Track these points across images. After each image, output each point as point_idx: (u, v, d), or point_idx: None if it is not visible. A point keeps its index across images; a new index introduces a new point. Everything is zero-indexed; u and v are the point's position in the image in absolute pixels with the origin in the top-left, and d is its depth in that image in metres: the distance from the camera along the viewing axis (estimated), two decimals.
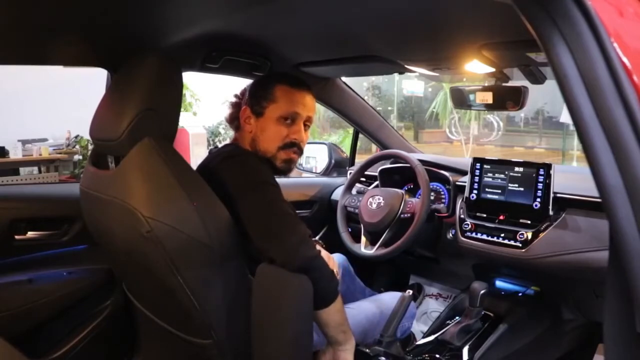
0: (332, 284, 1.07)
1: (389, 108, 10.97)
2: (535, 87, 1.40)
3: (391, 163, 2.01)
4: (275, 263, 1.01)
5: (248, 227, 1.06)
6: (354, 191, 1.95)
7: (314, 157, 2.37)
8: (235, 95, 1.39)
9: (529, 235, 1.49)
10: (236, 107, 1.36)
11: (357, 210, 1.79)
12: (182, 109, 1.35)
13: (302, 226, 1.07)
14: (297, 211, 2.06)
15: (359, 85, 9.48)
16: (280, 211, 1.07)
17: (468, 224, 1.64)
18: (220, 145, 1.39)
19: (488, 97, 1.43)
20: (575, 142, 7.80)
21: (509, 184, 1.59)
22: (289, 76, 1.30)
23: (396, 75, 2.06)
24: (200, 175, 1.06)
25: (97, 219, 1.14)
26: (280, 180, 1.22)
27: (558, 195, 1.50)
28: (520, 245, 1.50)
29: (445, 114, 8.84)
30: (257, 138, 1.27)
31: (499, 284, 1.79)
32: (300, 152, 1.30)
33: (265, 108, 1.26)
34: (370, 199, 1.74)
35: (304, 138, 1.29)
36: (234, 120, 1.35)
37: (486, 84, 1.44)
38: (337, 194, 2.12)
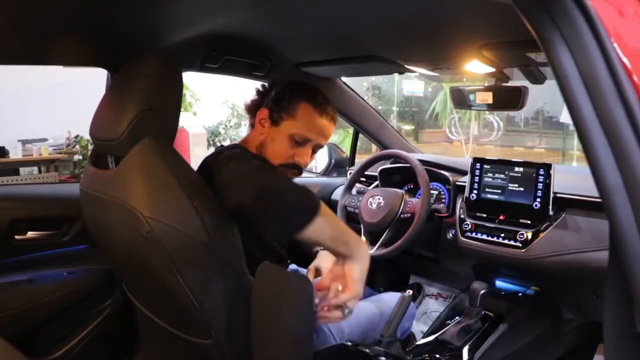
0: (301, 201, 0.95)
1: (389, 108, 10.97)
2: (535, 87, 1.40)
3: (391, 163, 2.01)
4: (241, 208, 0.95)
5: (226, 192, 1.00)
6: (354, 191, 1.95)
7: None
8: (263, 86, 1.35)
9: (529, 235, 1.49)
10: (260, 97, 1.32)
11: (357, 210, 1.79)
12: (182, 109, 1.34)
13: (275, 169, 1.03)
14: None
15: (359, 85, 9.48)
16: (254, 167, 1.02)
17: (468, 224, 1.64)
18: (224, 144, 1.37)
19: (488, 97, 1.43)
20: (575, 142, 7.80)
21: (509, 184, 1.60)
22: (318, 97, 1.26)
23: (396, 75, 2.06)
24: (200, 174, 1.06)
25: (97, 219, 1.14)
26: None
27: (558, 195, 1.50)
28: (520, 245, 1.50)
29: (445, 114, 8.85)
30: (266, 145, 1.25)
31: (499, 284, 1.79)
32: (300, 173, 1.30)
33: (283, 120, 1.24)
34: (370, 199, 1.74)
35: (308, 162, 1.28)
36: (252, 111, 1.32)
37: (486, 84, 1.44)
38: (337, 194, 2.12)
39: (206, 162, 1.19)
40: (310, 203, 0.95)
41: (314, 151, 1.30)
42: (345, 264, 1.00)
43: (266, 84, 1.36)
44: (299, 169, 1.29)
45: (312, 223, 0.93)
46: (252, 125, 1.32)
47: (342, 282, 0.99)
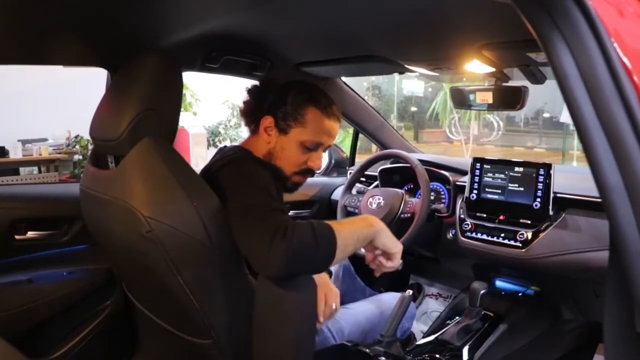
0: (318, 252, 0.97)
1: (389, 108, 10.97)
2: (535, 87, 1.40)
3: (391, 163, 2.01)
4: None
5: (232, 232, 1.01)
6: (354, 191, 1.95)
7: None
8: (254, 86, 1.29)
9: (529, 235, 1.49)
10: (255, 99, 1.27)
11: (357, 210, 1.79)
12: (182, 109, 1.33)
13: (275, 222, 0.95)
14: (297, 211, 2.10)
15: (359, 85, 9.48)
16: (254, 216, 0.98)
17: (468, 224, 1.64)
18: (229, 145, 1.35)
19: (488, 97, 1.43)
20: (575, 142, 7.80)
21: (509, 184, 1.60)
22: (322, 97, 1.23)
23: (396, 75, 2.06)
24: (202, 176, 1.06)
25: (97, 218, 1.14)
26: None
27: (558, 195, 1.50)
28: (520, 245, 1.50)
29: (445, 114, 8.84)
30: (275, 154, 1.22)
31: (499, 284, 1.80)
32: (312, 176, 1.30)
33: (291, 128, 1.19)
34: (370, 199, 1.74)
35: (320, 165, 1.27)
36: (249, 115, 1.27)
37: (486, 84, 1.44)
38: (337, 194, 2.12)
39: (211, 169, 1.15)
40: (324, 251, 0.99)
41: (323, 151, 1.27)
42: (374, 244, 1.10)
43: (257, 83, 1.30)
44: (312, 173, 1.28)
45: (335, 257, 1.00)
46: (253, 131, 1.27)
47: (385, 256, 1.14)
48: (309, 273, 1.02)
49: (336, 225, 1.01)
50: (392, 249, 1.11)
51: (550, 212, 1.49)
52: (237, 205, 1.01)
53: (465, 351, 1.50)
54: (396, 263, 1.13)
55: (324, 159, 2.30)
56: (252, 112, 1.27)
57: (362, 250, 1.15)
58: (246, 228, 0.98)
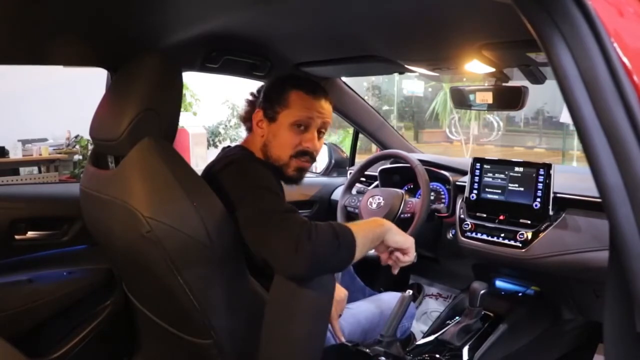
0: (340, 252, 1.00)
1: (389, 108, 10.97)
2: (535, 87, 1.40)
3: (391, 163, 2.01)
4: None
5: (245, 237, 1.02)
6: (354, 191, 1.95)
7: None
8: (252, 94, 1.34)
9: (529, 235, 1.49)
10: (251, 105, 1.32)
11: (357, 210, 1.79)
12: (182, 109, 1.34)
13: (296, 224, 0.97)
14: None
15: (359, 85, 9.48)
16: (272, 220, 1.00)
17: (468, 224, 1.64)
18: (232, 145, 1.37)
19: (488, 97, 1.43)
20: (575, 142, 7.80)
21: (509, 184, 1.60)
22: (305, 82, 1.25)
23: (396, 75, 2.06)
24: (204, 177, 1.06)
25: (97, 218, 1.14)
26: None
27: (558, 195, 1.50)
28: (520, 245, 1.50)
29: (445, 114, 8.85)
30: (269, 144, 1.23)
31: (499, 284, 1.80)
32: (312, 160, 1.28)
33: (279, 113, 1.22)
34: (370, 199, 1.74)
35: (317, 146, 1.25)
36: (247, 120, 1.31)
37: (486, 84, 1.44)
38: (337, 194, 2.12)
39: (212, 170, 1.16)
40: (345, 248, 1.00)
41: (321, 133, 1.26)
42: (387, 244, 1.12)
43: (255, 93, 1.34)
44: (310, 155, 1.25)
45: (355, 254, 1.02)
46: (249, 129, 1.31)
47: (400, 252, 1.14)
48: (330, 272, 1.03)
49: (353, 226, 1.04)
50: (404, 244, 1.13)
51: (550, 212, 1.49)
52: (249, 209, 1.02)
53: (465, 351, 1.50)
54: (411, 256, 1.15)
55: (324, 158, 2.31)
56: (248, 114, 1.31)
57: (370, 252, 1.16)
58: (266, 231, 0.99)
